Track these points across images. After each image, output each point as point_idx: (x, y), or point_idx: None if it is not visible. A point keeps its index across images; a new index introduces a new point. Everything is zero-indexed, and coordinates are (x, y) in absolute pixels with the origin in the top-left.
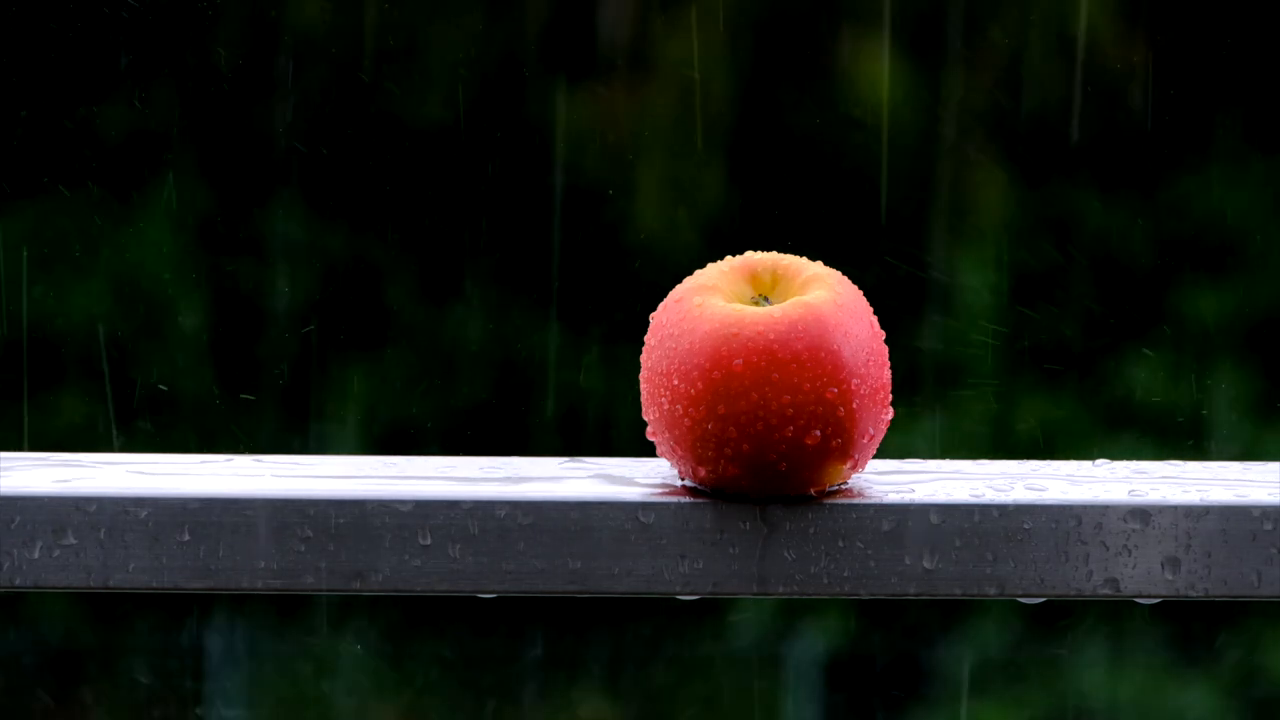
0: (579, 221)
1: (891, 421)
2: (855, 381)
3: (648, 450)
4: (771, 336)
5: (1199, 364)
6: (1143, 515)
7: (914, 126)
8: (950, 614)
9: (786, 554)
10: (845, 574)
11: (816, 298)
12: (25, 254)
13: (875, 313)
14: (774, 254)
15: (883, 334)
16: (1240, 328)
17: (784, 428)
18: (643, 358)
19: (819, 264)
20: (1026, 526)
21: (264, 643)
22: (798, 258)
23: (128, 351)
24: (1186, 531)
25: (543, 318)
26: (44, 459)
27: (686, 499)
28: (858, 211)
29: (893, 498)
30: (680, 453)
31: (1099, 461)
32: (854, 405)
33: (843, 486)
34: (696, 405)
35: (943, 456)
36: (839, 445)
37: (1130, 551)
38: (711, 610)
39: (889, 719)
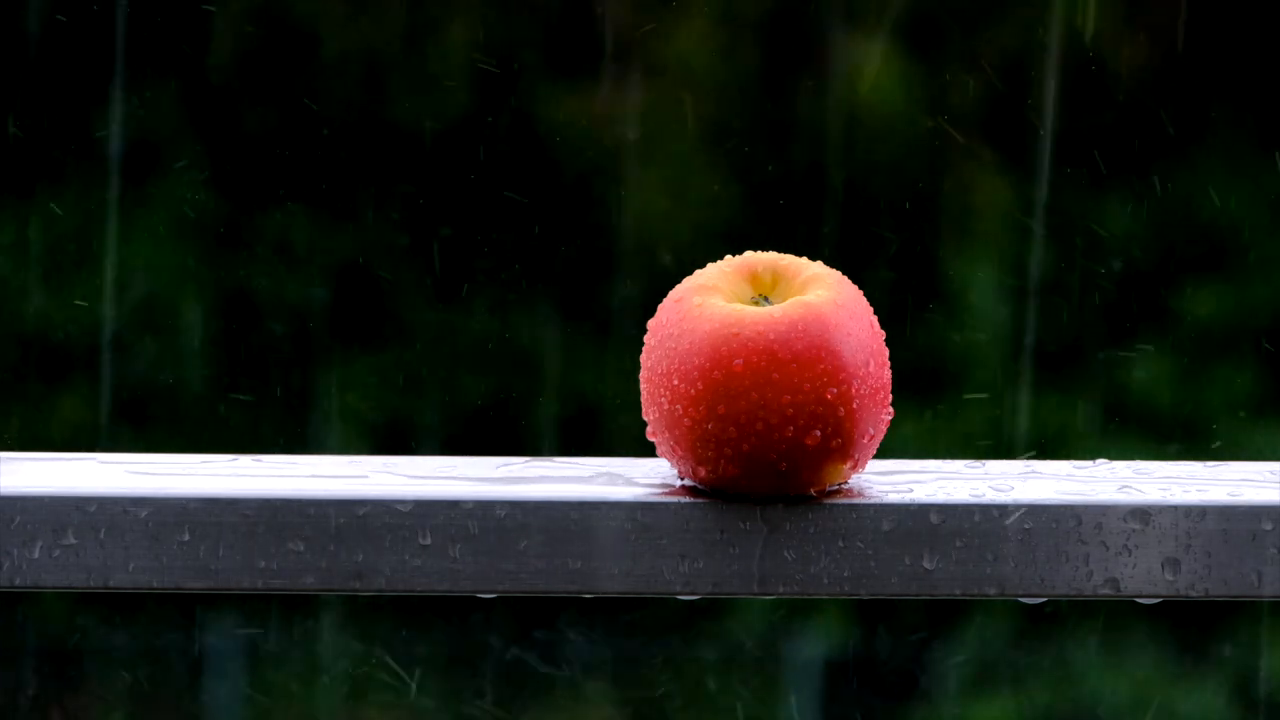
0: (579, 220)
1: (892, 421)
2: (855, 381)
3: (648, 450)
4: (772, 336)
5: (1199, 364)
6: (1143, 515)
7: (914, 125)
8: (950, 614)
9: (786, 554)
10: (845, 574)
11: (817, 298)
12: (26, 254)
13: (875, 313)
14: (774, 254)
15: (883, 334)
16: (1240, 327)
17: (784, 428)
18: (642, 358)
19: (819, 264)
20: (1026, 526)
21: (264, 643)
22: (798, 258)
23: (128, 351)
24: (1186, 531)
25: (542, 317)
26: (44, 459)
27: (686, 499)
28: (857, 211)
29: (893, 498)
30: (680, 453)
31: (1099, 461)
32: (854, 405)
33: (843, 486)
34: (696, 405)
35: (943, 456)
36: (839, 445)
37: (1130, 551)
38: (711, 610)
39: (889, 719)
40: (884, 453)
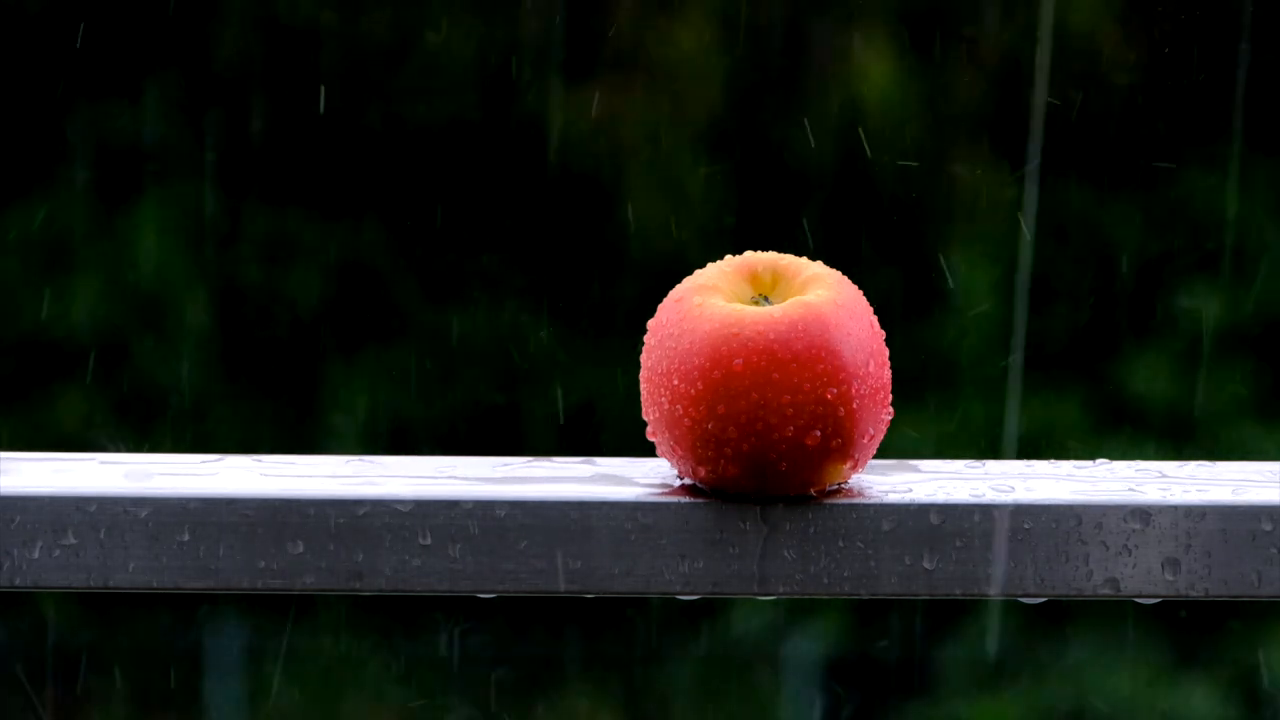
0: (578, 220)
1: (891, 421)
2: (855, 381)
3: (648, 450)
4: (772, 336)
5: (1199, 364)
6: (1143, 515)
7: (914, 125)
8: (950, 614)
9: (786, 554)
10: (845, 574)
11: (817, 297)
12: (26, 254)
13: (875, 313)
14: (774, 254)
15: (883, 334)
16: (1240, 327)
17: (784, 428)
18: (643, 357)
19: (819, 264)
20: (1026, 526)
21: (264, 643)
22: (797, 257)
23: (128, 351)
24: (1186, 531)
25: (542, 317)
26: (44, 459)
27: (686, 499)
28: (856, 211)
29: (893, 498)
30: (680, 453)
31: (1099, 461)
32: (854, 405)
33: (843, 486)
34: (696, 405)
35: (942, 456)
36: (839, 445)
37: (1130, 551)
38: (711, 610)
39: (889, 719)
40: (884, 452)
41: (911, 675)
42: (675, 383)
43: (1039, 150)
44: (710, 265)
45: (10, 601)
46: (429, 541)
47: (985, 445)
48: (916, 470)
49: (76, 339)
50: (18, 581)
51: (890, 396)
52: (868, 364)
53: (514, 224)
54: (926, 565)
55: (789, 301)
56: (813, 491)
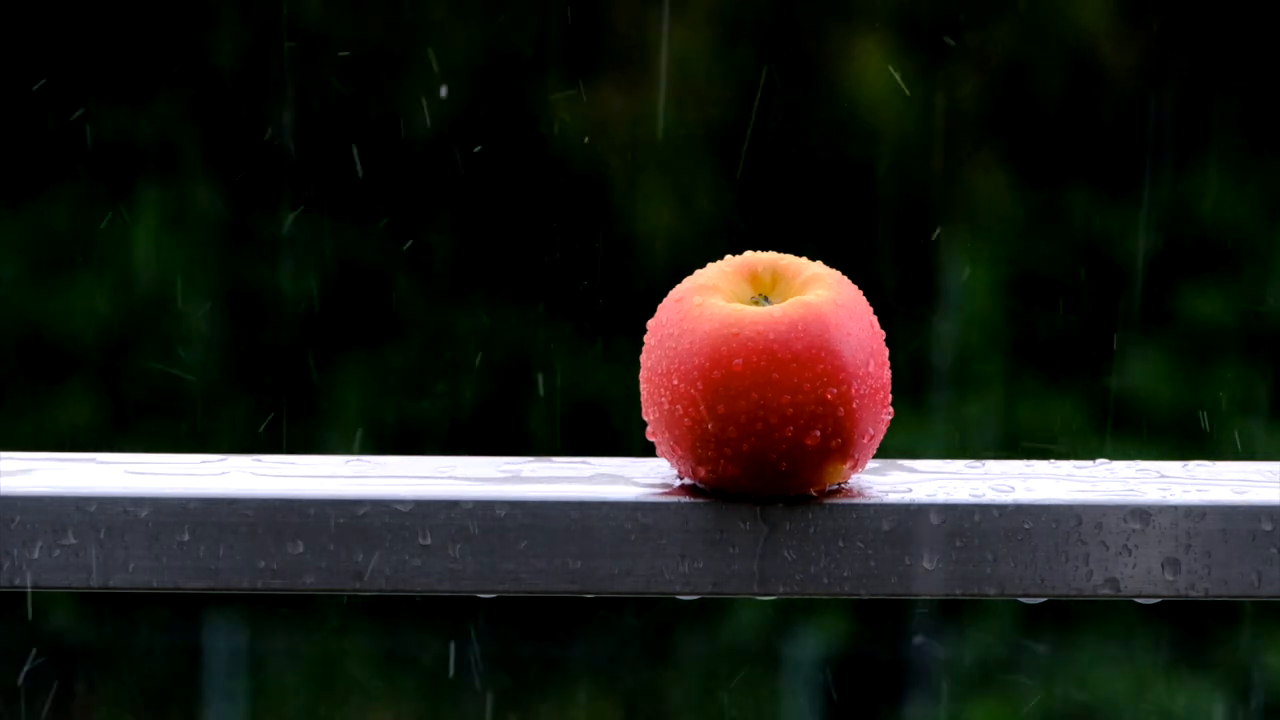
0: (579, 220)
1: (892, 421)
2: (855, 381)
3: (648, 450)
4: (772, 336)
5: (1200, 364)
6: (1143, 515)
7: (914, 126)
8: (950, 614)
9: (786, 554)
10: (845, 574)
11: (817, 297)
12: (26, 254)
13: (875, 313)
14: (774, 254)
15: (883, 334)
16: (1240, 328)
17: (784, 428)
18: (643, 358)
19: (819, 264)
20: (1026, 526)
21: (264, 643)
22: (797, 257)
23: (129, 351)
24: (1186, 531)
25: (543, 317)
26: (44, 459)
27: (686, 499)
28: (857, 211)
29: (893, 498)
30: (680, 453)
31: (1099, 461)
32: (854, 405)
33: (843, 486)
34: (696, 405)
35: (943, 456)
36: (839, 445)
37: (1130, 551)
38: (711, 610)
39: (889, 719)
40: (884, 453)
41: (911, 675)
42: (675, 383)
43: (1039, 150)
44: (710, 265)
45: (10, 602)
46: (429, 541)
47: (985, 445)
48: (916, 470)
49: (77, 339)
50: (18, 581)
51: (890, 396)
52: (868, 364)
53: (515, 224)
54: (926, 565)
55: (789, 301)
56: (813, 491)
